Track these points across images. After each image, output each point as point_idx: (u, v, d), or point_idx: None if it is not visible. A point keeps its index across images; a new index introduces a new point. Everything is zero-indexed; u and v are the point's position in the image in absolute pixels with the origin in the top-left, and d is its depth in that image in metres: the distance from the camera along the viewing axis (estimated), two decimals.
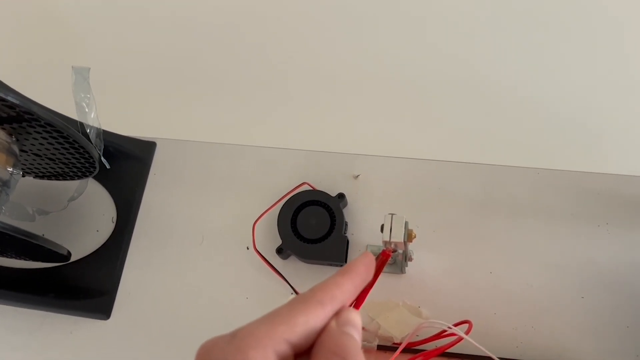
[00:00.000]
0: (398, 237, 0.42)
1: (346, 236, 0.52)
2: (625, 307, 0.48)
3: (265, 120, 0.59)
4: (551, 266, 0.50)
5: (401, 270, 0.50)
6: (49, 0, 0.69)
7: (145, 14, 0.67)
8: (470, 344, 0.43)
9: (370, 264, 0.31)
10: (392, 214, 0.43)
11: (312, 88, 0.60)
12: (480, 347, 0.42)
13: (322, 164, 0.56)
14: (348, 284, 0.29)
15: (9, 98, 0.38)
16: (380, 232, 0.43)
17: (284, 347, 0.25)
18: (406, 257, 0.49)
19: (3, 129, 0.44)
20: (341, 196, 0.53)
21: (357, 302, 0.44)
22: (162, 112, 0.61)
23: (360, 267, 0.30)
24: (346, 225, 0.53)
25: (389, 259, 0.46)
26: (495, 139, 0.54)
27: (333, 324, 0.27)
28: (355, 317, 0.28)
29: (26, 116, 0.41)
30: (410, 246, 0.49)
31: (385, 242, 0.43)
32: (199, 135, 0.59)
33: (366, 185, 0.55)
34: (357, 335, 0.27)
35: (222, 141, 0.58)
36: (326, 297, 0.27)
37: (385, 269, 0.51)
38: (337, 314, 0.27)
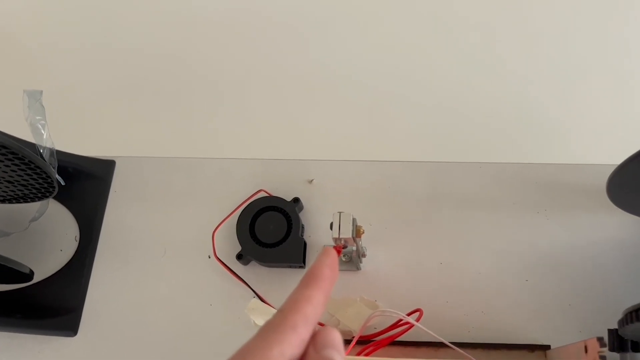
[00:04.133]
0: (346, 233, 0.44)
1: (303, 238, 0.54)
2: (566, 287, 0.51)
3: (221, 132, 0.61)
4: (497, 253, 0.53)
5: (357, 267, 0.53)
6: None
7: (94, 33, 0.69)
8: (424, 332, 0.46)
9: (334, 262, 0.28)
10: (340, 212, 0.45)
11: (264, 98, 0.62)
12: (431, 332, 0.44)
13: (277, 171, 0.58)
14: (318, 295, 0.26)
15: None
16: (330, 230, 0.46)
17: None
18: (359, 254, 0.51)
19: None
20: (296, 200, 0.55)
21: None
22: (120, 131, 0.63)
23: (325, 271, 0.27)
24: (303, 228, 0.55)
25: (340, 255, 0.48)
26: (439, 137, 0.57)
27: (311, 350, 0.25)
28: (333, 336, 0.26)
29: None
30: (364, 243, 0.52)
31: (335, 239, 0.45)
32: (156, 151, 0.60)
33: (320, 189, 0.57)
34: (338, 356, 0.25)
35: (179, 155, 0.60)
36: (298, 318, 0.25)
37: (341, 266, 0.53)
38: (314, 336, 0.25)
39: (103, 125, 0.64)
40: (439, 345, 0.47)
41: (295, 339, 0.24)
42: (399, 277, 0.53)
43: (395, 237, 0.54)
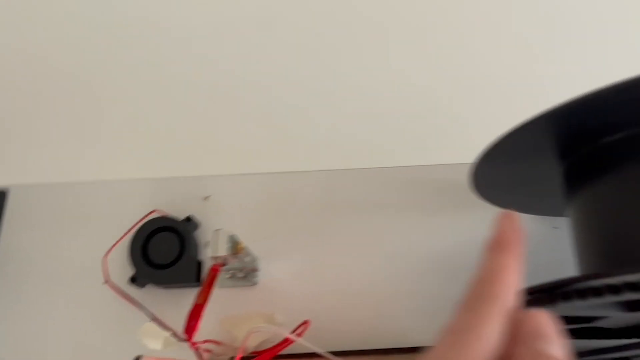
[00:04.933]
0: (222, 251, 0.44)
1: (197, 258, 0.53)
2: (456, 287, 0.51)
3: (111, 153, 0.60)
4: (389, 257, 0.53)
5: (251, 282, 0.52)
6: None
7: None
8: (313, 343, 0.46)
9: (516, 224, 0.24)
10: (218, 230, 0.45)
11: (150, 114, 0.61)
12: (309, 344, 0.44)
13: (171, 189, 0.57)
14: (512, 262, 0.23)
15: None
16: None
17: None
18: (250, 269, 0.51)
19: None
20: (188, 219, 0.54)
21: (190, 329, 0.45)
22: (10, 159, 0.61)
23: (511, 235, 0.23)
24: (196, 246, 0.54)
25: (218, 274, 0.48)
26: (329, 146, 0.58)
27: (519, 344, 0.21)
28: (542, 323, 0.21)
29: None
30: (258, 255, 0.52)
31: (212, 258, 0.44)
32: (49, 177, 0.59)
33: (217, 205, 0.57)
34: (553, 349, 0.21)
35: (73, 180, 0.58)
36: (501, 289, 0.21)
37: (237, 283, 0.53)
38: (518, 326, 0.21)
39: None
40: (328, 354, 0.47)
41: (503, 313, 0.21)
42: (296, 288, 0.53)
43: (291, 248, 0.54)
